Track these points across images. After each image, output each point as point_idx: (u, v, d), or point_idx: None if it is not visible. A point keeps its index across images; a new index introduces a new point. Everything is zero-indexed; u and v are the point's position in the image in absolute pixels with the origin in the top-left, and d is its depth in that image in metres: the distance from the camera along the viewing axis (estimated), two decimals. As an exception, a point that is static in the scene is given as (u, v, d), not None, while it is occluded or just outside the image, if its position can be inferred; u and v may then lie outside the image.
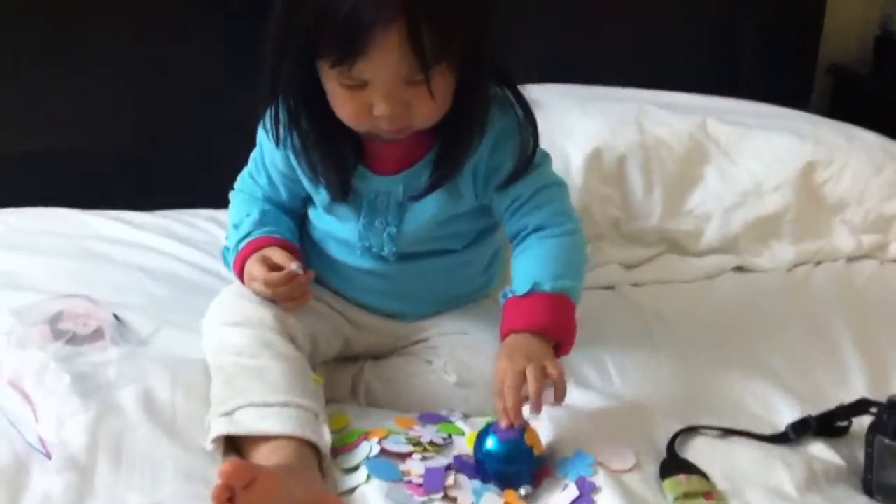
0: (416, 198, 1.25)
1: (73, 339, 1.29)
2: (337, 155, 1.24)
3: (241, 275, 1.30)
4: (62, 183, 1.85)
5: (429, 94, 1.12)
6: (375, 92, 1.12)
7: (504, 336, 1.19)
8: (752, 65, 2.16)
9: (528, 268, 1.23)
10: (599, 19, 2.02)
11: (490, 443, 1.14)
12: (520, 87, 1.27)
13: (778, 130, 1.81)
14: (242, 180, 1.41)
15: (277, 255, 1.27)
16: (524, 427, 1.13)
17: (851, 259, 1.76)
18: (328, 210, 1.31)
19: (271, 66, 1.18)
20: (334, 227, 1.32)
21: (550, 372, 1.12)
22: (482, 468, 1.15)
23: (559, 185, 1.31)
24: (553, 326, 1.19)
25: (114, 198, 1.80)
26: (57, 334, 1.30)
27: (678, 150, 1.75)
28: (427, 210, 1.26)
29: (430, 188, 1.24)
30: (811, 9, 2.20)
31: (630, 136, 1.76)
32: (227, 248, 1.35)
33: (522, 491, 1.12)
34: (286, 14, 1.13)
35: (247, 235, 1.31)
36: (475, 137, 1.22)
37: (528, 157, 1.25)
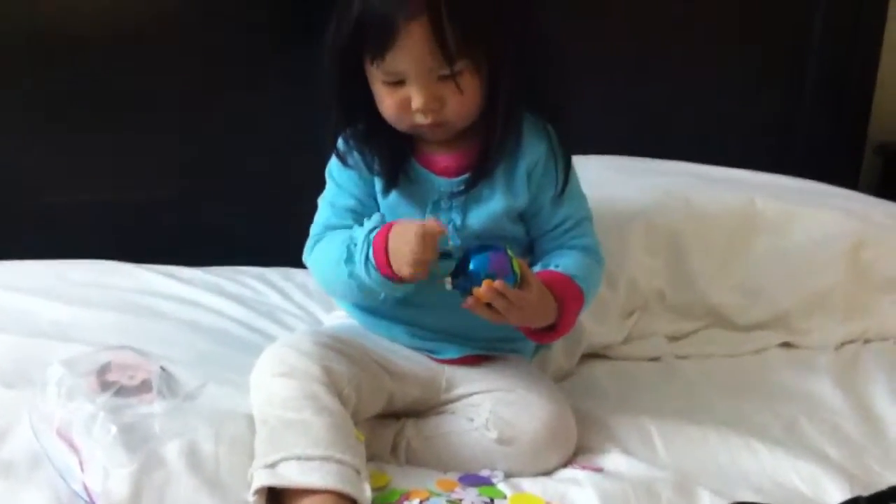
0: (466, 192, 1.33)
1: (121, 391, 1.30)
2: (388, 147, 1.34)
3: (383, 256, 1.24)
4: (113, 236, 1.89)
5: (456, 87, 1.24)
6: (411, 86, 1.25)
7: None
8: (801, 144, 2.16)
9: (575, 263, 1.35)
10: (652, 94, 2.04)
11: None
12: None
13: (827, 208, 1.81)
14: (319, 230, 1.39)
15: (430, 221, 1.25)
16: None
17: (901, 339, 1.73)
18: (394, 212, 1.33)
19: (331, 76, 1.30)
20: None
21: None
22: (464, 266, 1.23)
23: (592, 219, 1.43)
24: (569, 321, 1.31)
25: (163, 253, 1.83)
26: (104, 385, 1.31)
27: (726, 224, 1.76)
28: (489, 206, 1.34)
29: (474, 184, 1.33)
30: (861, 89, 2.21)
31: (678, 209, 1.77)
32: (353, 244, 1.28)
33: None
34: (336, 26, 1.28)
35: (376, 228, 1.28)
36: (510, 142, 1.32)
37: (567, 172, 1.37)
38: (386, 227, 1.26)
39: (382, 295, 1.29)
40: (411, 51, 1.22)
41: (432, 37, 1.20)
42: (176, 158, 1.92)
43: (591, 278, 1.36)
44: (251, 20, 1.88)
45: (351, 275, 1.28)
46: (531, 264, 1.37)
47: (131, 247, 1.83)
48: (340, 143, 1.37)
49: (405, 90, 1.26)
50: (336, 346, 1.31)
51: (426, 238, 1.21)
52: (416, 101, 1.25)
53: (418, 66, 1.23)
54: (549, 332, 1.32)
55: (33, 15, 1.81)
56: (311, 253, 1.39)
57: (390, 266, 1.24)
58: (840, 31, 2.10)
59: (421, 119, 1.28)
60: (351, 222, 1.36)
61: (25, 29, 1.81)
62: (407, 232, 1.22)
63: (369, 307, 1.41)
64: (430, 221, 1.23)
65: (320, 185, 1.42)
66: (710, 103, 2.10)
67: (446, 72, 1.24)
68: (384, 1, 1.21)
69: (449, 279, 1.24)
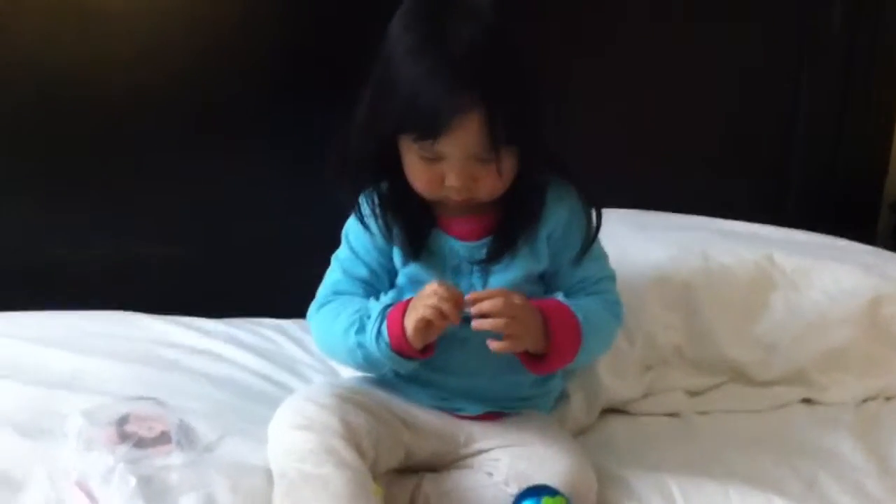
0: (490, 262, 1.33)
1: (140, 443, 1.31)
2: (411, 217, 1.34)
3: (398, 329, 1.25)
4: (132, 288, 1.90)
5: (496, 171, 1.25)
6: (449, 165, 1.25)
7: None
8: (818, 201, 2.17)
9: (586, 303, 1.35)
10: (667, 150, 2.06)
11: None
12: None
13: (845, 263, 1.80)
14: (327, 293, 1.40)
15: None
16: None
17: (921, 396, 1.72)
18: (413, 280, 1.34)
19: (358, 144, 1.30)
20: None
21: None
22: None
23: (614, 278, 1.44)
24: (561, 344, 1.29)
25: (182, 304, 1.84)
26: (123, 437, 1.32)
27: (743, 279, 1.75)
28: (511, 271, 1.34)
29: (498, 253, 1.33)
30: (876, 147, 2.22)
31: (694, 264, 1.76)
32: (366, 316, 1.29)
33: None
34: (375, 101, 1.27)
35: (392, 304, 1.29)
36: (534, 212, 1.34)
37: (594, 235, 1.38)
38: (402, 304, 1.26)
39: (386, 368, 1.30)
40: (461, 139, 1.22)
41: (485, 129, 1.20)
42: (198, 215, 1.94)
43: (595, 319, 1.34)
44: (258, 81, 1.91)
45: (359, 345, 1.29)
46: None
47: (146, 301, 1.84)
48: (363, 202, 1.36)
49: (441, 167, 1.26)
50: (355, 399, 1.31)
51: (448, 287, 1.23)
52: (452, 180, 1.25)
53: (464, 152, 1.24)
54: (544, 360, 1.30)
55: (41, 74, 1.83)
56: (317, 314, 1.39)
57: (404, 338, 1.24)
58: (858, 89, 2.13)
59: (453, 195, 1.28)
60: (361, 292, 1.36)
61: (34, 88, 1.84)
62: (427, 288, 1.23)
63: None
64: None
65: (334, 242, 1.42)
66: (723, 159, 2.12)
67: (490, 157, 1.24)
68: (438, 92, 1.19)
69: None
